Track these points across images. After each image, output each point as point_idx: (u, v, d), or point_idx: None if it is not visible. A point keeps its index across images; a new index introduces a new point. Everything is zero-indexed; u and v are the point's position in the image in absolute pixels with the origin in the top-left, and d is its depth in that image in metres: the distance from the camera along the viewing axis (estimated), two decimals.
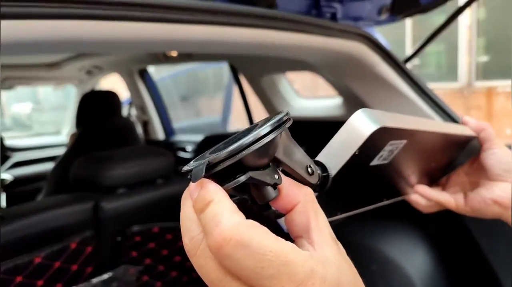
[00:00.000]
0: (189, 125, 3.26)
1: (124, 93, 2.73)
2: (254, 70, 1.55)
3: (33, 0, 0.52)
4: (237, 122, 3.44)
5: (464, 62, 5.57)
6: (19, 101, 6.26)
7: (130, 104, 2.61)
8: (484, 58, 5.53)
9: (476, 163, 0.60)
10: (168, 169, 1.15)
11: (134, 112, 2.61)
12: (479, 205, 0.57)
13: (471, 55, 5.52)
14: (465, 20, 5.38)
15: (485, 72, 5.50)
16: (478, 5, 5.30)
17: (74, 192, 1.09)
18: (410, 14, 1.22)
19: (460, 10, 1.19)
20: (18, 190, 2.39)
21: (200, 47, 0.74)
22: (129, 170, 1.04)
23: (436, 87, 5.58)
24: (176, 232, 1.12)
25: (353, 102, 1.38)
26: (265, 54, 1.12)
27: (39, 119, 6.26)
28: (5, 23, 0.50)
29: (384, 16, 1.22)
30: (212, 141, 1.35)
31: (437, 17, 1.21)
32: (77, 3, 0.55)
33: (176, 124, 2.55)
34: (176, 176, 1.20)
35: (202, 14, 0.67)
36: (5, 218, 0.90)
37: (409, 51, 5.70)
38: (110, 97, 1.77)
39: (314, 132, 1.58)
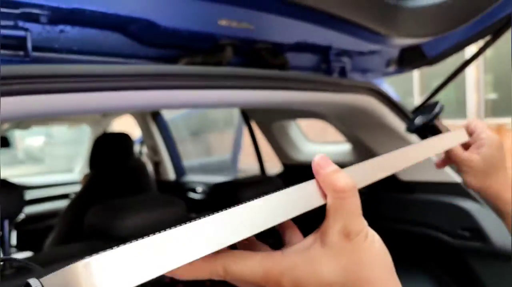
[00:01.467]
0: (199, 164, 3.28)
1: (136, 131, 2.78)
2: (265, 117, 1.59)
3: (33, 77, 0.54)
4: (247, 157, 3.46)
5: (473, 99, 5.59)
6: (32, 135, 6.38)
7: (142, 143, 2.66)
8: (492, 95, 5.56)
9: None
10: (180, 218, 1.17)
11: (145, 150, 2.65)
12: None
13: (479, 92, 5.54)
14: None
15: (494, 109, 5.51)
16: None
17: (87, 239, 1.10)
18: (416, 66, 1.25)
19: (467, 62, 1.22)
20: (30, 227, 2.40)
21: (216, 107, 0.77)
22: (142, 220, 1.06)
23: (447, 124, 5.59)
24: (187, 282, 1.12)
25: (361, 150, 1.40)
26: (277, 108, 1.15)
27: (52, 153, 6.34)
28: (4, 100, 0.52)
29: (392, 68, 1.26)
30: (222, 188, 1.37)
31: (444, 63, 1.24)
32: (73, 77, 0.58)
33: (187, 162, 2.58)
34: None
35: (217, 80, 0.71)
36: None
37: (417, 97, 5.75)
38: (123, 139, 1.81)
39: None
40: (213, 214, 0.28)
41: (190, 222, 0.27)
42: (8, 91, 0.51)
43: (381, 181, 0.39)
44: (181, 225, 0.27)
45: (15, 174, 3.44)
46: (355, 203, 0.31)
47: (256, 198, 0.30)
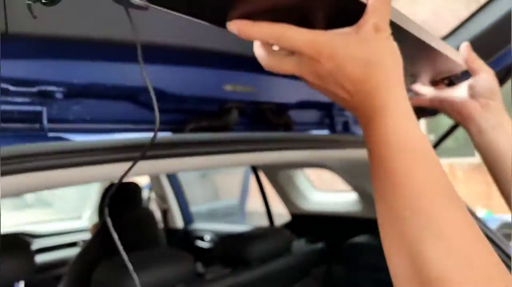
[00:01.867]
0: (207, 209, 3.28)
1: (144, 177, 2.81)
2: (272, 167, 1.61)
3: (30, 155, 0.57)
4: (254, 199, 3.45)
5: None
6: None
7: (150, 189, 2.68)
8: None
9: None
10: (188, 273, 1.16)
11: (153, 196, 2.66)
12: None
13: None
14: None
15: None
16: None
17: None
18: (419, 117, 1.27)
19: None
20: (37, 278, 2.38)
21: (223, 167, 0.79)
22: (149, 277, 1.06)
23: (455, 162, 5.55)
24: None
25: (368, 199, 1.40)
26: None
27: (61, 196, 6.37)
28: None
29: None
30: (230, 240, 1.38)
31: None
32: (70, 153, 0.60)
33: (195, 207, 2.58)
34: (196, 278, 1.21)
35: (224, 146, 0.73)
36: None
37: None
38: (131, 190, 1.83)
39: (331, 227, 1.59)
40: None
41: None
42: (27, 168, 0.54)
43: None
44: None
45: (23, 222, 3.44)
46: (389, 9, 0.40)
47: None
